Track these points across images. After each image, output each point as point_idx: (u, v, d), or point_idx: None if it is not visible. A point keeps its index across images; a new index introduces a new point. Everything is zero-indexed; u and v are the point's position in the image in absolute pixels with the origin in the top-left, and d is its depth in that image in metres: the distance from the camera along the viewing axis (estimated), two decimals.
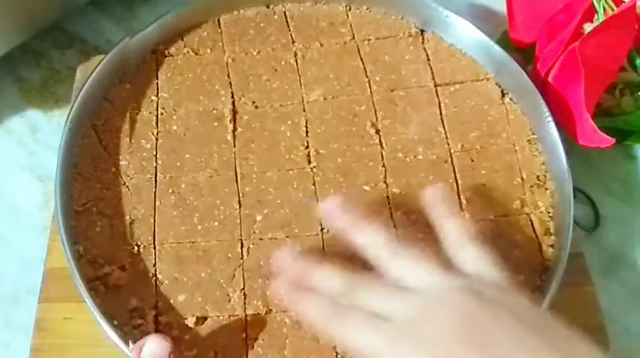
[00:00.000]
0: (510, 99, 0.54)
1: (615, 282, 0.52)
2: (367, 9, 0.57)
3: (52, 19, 0.56)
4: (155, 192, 0.48)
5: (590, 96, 0.48)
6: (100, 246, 0.46)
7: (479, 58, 0.55)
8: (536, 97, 0.51)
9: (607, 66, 0.50)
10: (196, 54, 0.54)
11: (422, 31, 0.56)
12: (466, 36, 0.55)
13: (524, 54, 0.55)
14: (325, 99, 0.52)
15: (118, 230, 0.46)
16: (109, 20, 0.61)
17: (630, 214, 0.55)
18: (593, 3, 0.51)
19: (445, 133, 0.52)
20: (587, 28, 0.51)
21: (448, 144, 0.51)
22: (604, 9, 0.51)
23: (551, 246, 0.48)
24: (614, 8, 0.51)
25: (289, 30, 0.56)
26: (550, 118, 0.50)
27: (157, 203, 0.47)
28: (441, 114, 0.53)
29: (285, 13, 0.56)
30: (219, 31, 0.55)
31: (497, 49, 0.53)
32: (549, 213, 0.49)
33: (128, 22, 0.60)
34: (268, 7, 0.56)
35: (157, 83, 0.52)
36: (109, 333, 0.41)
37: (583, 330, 0.47)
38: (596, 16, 0.52)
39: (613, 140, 0.48)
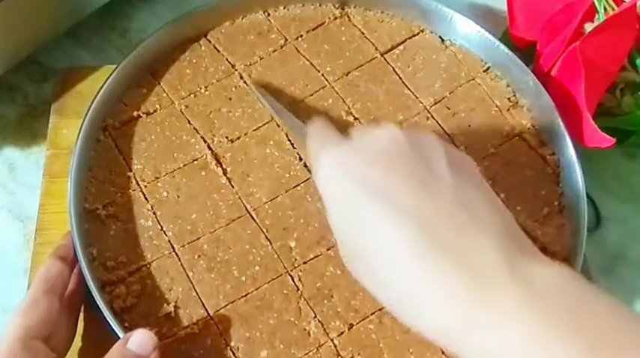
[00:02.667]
0: (449, 40, 0.55)
1: (616, 282, 0.52)
2: (284, 8, 0.56)
3: (27, 52, 0.53)
4: (182, 265, 0.44)
5: (591, 96, 0.48)
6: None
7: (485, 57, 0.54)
8: (545, 97, 0.51)
9: (608, 66, 0.50)
10: (148, 114, 0.50)
11: (342, 9, 0.56)
12: (470, 35, 0.54)
13: (525, 53, 0.54)
14: (291, 106, 0.51)
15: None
16: (85, 51, 0.58)
17: (631, 214, 0.55)
18: (593, 3, 0.51)
19: (413, 94, 0.53)
20: (588, 27, 0.50)
21: (421, 103, 0.52)
22: (605, 9, 0.51)
23: (552, 153, 0.50)
24: (615, 8, 0.51)
25: (222, 56, 0.53)
26: (559, 121, 0.50)
27: (190, 274, 0.44)
28: (400, 78, 0.53)
29: (209, 41, 0.54)
30: (156, 82, 0.52)
31: (510, 53, 0.53)
32: (534, 126, 0.52)
33: (105, 52, 0.58)
34: (192, 41, 0.54)
35: (123, 158, 0.48)
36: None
37: None
38: (596, 15, 0.51)
39: (614, 140, 0.48)
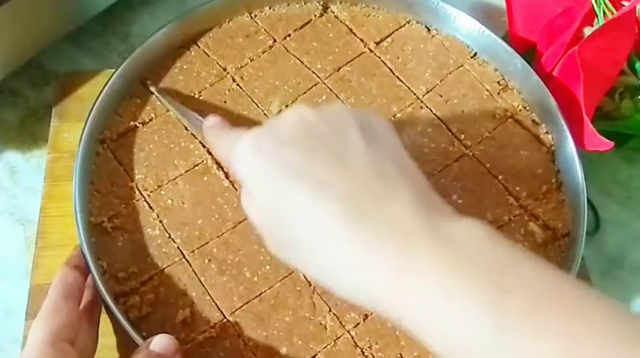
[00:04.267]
0: (435, 29, 0.56)
1: (615, 285, 0.52)
2: (270, 8, 0.56)
3: (29, 56, 0.53)
4: (194, 271, 0.44)
5: (590, 100, 0.48)
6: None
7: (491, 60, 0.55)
8: (534, 78, 0.51)
9: (607, 70, 0.50)
10: (144, 124, 0.50)
11: (326, 7, 0.57)
12: (455, 23, 0.55)
13: (525, 56, 0.53)
14: (287, 106, 0.51)
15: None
16: (86, 56, 0.58)
17: (630, 218, 0.55)
18: (592, 7, 0.51)
19: (405, 84, 0.53)
20: (587, 31, 0.50)
21: (414, 93, 0.53)
22: (604, 13, 0.51)
23: (546, 132, 0.51)
24: (614, 12, 0.51)
25: (213, 60, 0.53)
26: (550, 99, 0.50)
27: (202, 279, 0.44)
28: (390, 70, 0.54)
29: (198, 46, 0.54)
30: (150, 91, 0.52)
31: (496, 38, 0.53)
32: (526, 107, 0.53)
33: (105, 57, 0.58)
34: (181, 48, 0.54)
35: (124, 169, 0.48)
36: None
37: None
38: (595, 19, 0.51)
39: (612, 144, 0.48)
